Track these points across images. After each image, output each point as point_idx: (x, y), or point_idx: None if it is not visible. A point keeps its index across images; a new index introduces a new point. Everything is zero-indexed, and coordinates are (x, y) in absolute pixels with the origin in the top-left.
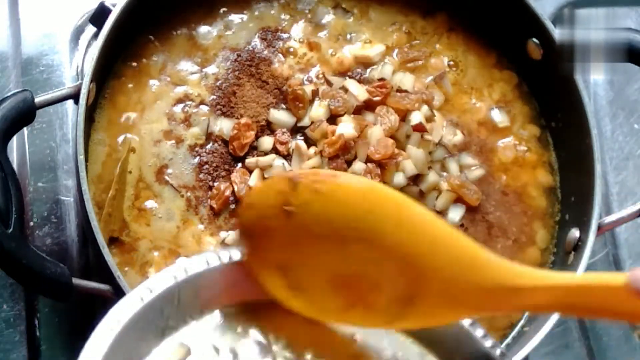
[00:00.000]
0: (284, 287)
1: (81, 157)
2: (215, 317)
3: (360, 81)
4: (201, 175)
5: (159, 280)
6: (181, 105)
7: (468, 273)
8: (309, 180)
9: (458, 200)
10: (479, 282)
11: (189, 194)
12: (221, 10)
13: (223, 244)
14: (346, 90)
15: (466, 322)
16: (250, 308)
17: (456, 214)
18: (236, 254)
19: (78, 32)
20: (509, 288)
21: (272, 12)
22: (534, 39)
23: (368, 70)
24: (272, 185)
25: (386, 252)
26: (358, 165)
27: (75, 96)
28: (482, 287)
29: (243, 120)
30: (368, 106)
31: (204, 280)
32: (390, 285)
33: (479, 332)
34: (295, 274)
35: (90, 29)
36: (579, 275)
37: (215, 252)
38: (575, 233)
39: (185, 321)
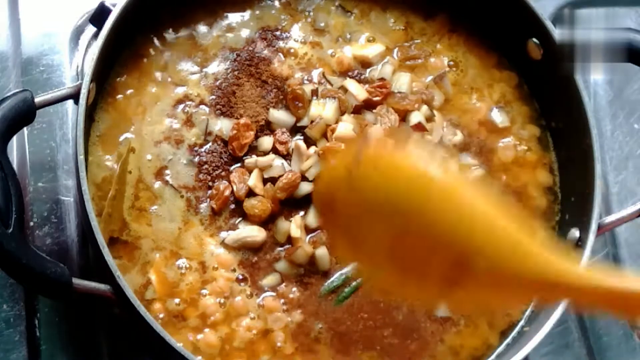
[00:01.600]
0: (348, 248)
1: (81, 157)
2: None
3: (360, 81)
4: (200, 176)
5: None
6: (181, 106)
7: (512, 261)
8: (371, 157)
9: None
10: (521, 271)
11: (188, 194)
12: (221, 10)
13: (223, 244)
14: (346, 90)
15: None
16: None
17: None
18: None
19: (78, 32)
20: (552, 283)
21: (273, 12)
22: (534, 39)
23: (368, 70)
24: (342, 160)
25: (436, 232)
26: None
27: (75, 96)
28: (525, 277)
29: (242, 121)
30: (368, 106)
31: None
32: (440, 262)
33: None
34: (357, 237)
35: (90, 29)
36: (628, 279)
37: None
38: (575, 233)
39: None
